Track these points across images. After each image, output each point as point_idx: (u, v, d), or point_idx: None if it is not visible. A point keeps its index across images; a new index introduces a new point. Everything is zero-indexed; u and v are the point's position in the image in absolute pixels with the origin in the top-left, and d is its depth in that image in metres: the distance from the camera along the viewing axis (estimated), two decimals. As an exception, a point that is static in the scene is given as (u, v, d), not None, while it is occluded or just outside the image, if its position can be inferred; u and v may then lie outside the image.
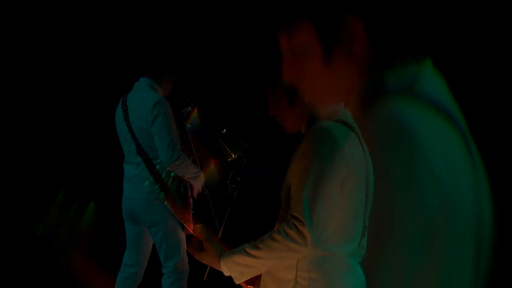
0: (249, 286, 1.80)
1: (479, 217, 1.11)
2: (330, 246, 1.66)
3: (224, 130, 3.02)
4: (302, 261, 1.67)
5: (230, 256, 1.68)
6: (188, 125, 3.37)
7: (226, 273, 1.70)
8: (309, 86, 1.17)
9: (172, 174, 3.19)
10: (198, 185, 3.32)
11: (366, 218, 1.73)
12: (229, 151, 3.04)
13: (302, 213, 1.57)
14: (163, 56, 3.28)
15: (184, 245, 3.31)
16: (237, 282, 1.70)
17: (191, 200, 3.32)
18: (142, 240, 3.39)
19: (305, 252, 1.62)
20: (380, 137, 1.07)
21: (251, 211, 3.95)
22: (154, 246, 3.40)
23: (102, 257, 3.88)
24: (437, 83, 1.16)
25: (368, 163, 1.70)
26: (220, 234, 3.22)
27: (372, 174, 1.69)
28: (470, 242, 1.10)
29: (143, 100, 3.16)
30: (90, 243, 4.49)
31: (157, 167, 3.16)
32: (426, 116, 1.08)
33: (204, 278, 2.88)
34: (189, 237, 3.27)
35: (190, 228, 3.28)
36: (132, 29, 4.30)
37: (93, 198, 4.66)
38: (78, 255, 4.28)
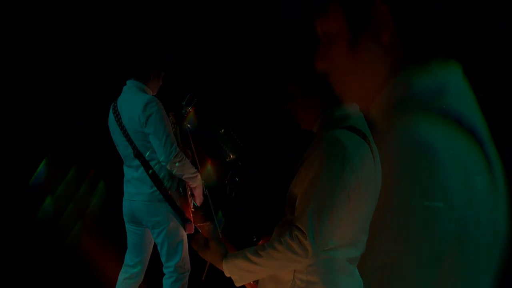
0: (251, 282, 1.80)
1: (495, 234, 1.10)
2: (331, 251, 1.66)
3: (223, 130, 3.01)
4: None
5: (232, 259, 1.69)
6: (188, 125, 3.35)
7: (227, 275, 1.71)
8: (337, 74, 1.16)
9: (171, 174, 3.18)
10: (196, 187, 3.31)
11: (368, 225, 1.72)
12: (228, 151, 3.03)
13: (306, 225, 1.56)
14: (146, 56, 3.25)
15: (186, 245, 3.31)
16: (237, 284, 1.72)
17: (191, 199, 3.31)
18: (143, 240, 3.39)
19: (306, 263, 1.62)
20: (402, 159, 1.06)
21: (251, 210, 3.94)
22: (155, 246, 3.39)
23: (111, 238, 3.82)
24: (463, 94, 1.14)
25: (378, 173, 1.68)
26: (220, 234, 3.21)
27: (380, 183, 1.68)
28: (485, 260, 1.09)
29: (133, 102, 3.14)
30: (99, 222, 4.43)
31: (155, 168, 3.15)
32: (448, 136, 1.06)
33: (203, 278, 2.87)
34: (191, 236, 3.27)
35: (192, 227, 3.28)
36: (116, 30, 4.27)
37: (103, 177, 4.59)
38: (87, 234, 4.24)
